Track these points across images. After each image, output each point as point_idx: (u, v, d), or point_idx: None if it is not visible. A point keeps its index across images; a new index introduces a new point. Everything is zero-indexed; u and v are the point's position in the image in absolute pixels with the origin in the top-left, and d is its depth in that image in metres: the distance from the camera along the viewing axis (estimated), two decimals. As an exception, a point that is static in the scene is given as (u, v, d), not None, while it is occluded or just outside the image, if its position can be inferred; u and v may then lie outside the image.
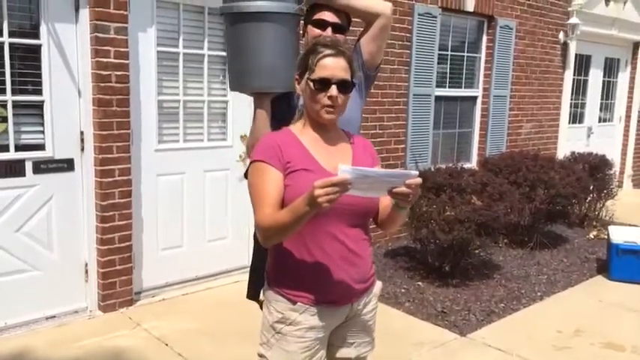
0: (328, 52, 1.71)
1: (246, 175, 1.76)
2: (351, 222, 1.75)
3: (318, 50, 1.72)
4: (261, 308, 1.91)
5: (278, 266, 1.81)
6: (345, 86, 1.71)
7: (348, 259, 1.75)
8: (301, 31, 2.25)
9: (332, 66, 1.69)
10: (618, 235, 4.78)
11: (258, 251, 2.19)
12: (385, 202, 1.77)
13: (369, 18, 2.21)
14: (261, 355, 1.83)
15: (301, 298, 1.75)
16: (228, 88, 2.23)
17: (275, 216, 1.62)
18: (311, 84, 1.71)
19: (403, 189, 1.54)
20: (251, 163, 1.76)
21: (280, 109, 2.10)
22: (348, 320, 1.86)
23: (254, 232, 1.86)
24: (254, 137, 2.10)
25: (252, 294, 2.24)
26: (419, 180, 1.55)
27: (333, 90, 1.68)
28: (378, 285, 1.96)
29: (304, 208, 1.50)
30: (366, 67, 2.27)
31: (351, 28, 2.30)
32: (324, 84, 1.69)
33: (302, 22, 2.27)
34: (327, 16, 2.19)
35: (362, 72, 2.27)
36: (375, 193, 1.62)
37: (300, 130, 1.79)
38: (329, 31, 2.18)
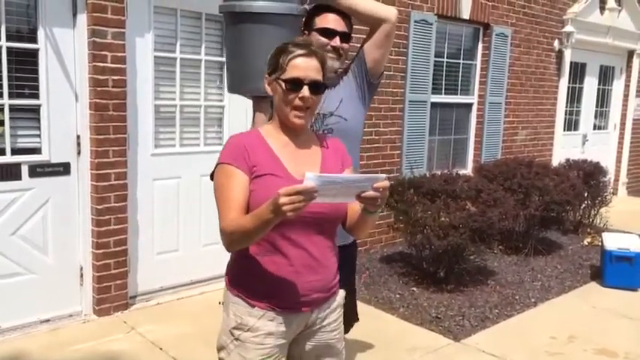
0: (300, 51, 1.66)
1: (212, 177, 1.73)
2: (316, 229, 1.70)
3: (289, 50, 1.67)
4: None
5: (239, 269, 1.78)
6: (316, 87, 1.67)
7: (310, 266, 1.71)
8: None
9: (304, 66, 1.65)
10: (612, 241, 4.80)
11: None
12: (354, 207, 1.71)
13: (373, 23, 2.15)
14: (220, 359, 1.81)
15: (259, 302, 1.72)
16: (227, 90, 2.19)
17: (239, 221, 1.58)
18: (282, 84, 1.66)
19: (371, 193, 1.51)
20: (217, 165, 1.71)
21: None
22: (309, 329, 1.81)
23: None
24: None
25: None
26: (386, 183, 1.52)
27: (305, 91, 1.64)
28: (341, 294, 1.89)
29: (268, 215, 1.46)
30: (369, 75, 2.21)
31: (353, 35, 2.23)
32: (295, 84, 1.64)
33: (302, 28, 2.20)
34: (334, 24, 2.13)
35: (365, 80, 2.22)
36: (342, 199, 1.58)
37: (269, 133, 1.74)
38: (337, 40, 2.12)
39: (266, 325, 1.72)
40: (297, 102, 1.66)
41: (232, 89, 2.16)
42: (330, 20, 2.15)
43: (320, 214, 1.66)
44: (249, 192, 1.65)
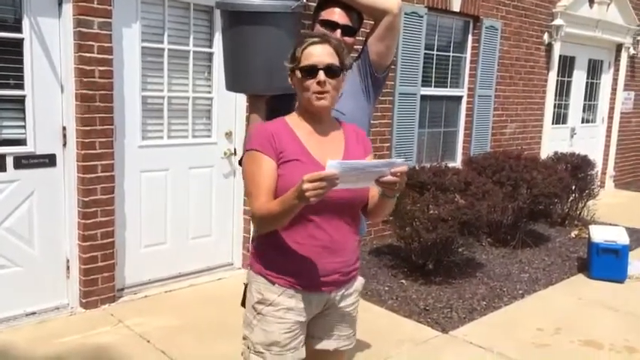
0: (313, 40, 1.75)
1: (240, 163, 1.80)
2: (338, 213, 1.78)
3: (303, 41, 1.76)
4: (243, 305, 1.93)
5: (261, 248, 1.85)
6: (332, 71, 1.73)
7: (331, 248, 1.79)
8: (310, 29, 2.18)
9: (317, 53, 1.73)
10: (599, 234, 4.84)
11: None
12: (373, 192, 1.82)
13: (375, 15, 2.13)
14: (244, 337, 1.88)
15: (280, 279, 1.80)
16: (225, 88, 2.19)
17: (267, 206, 1.68)
18: (299, 73, 1.74)
19: (390, 177, 1.58)
20: (246, 151, 1.79)
21: (283, 107, 2.04)
22: (327, 310, 1.90)
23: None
24: None
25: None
26: (404, 167, 1.58)
27: (321, 75, 1.71)
28: (360, 280, 1.99)
29: (293, 201, 1.56)
30: (373, 68, 2.19)
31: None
32: (311, 71, 1.72)
33: (310, 19, 2.20)
34: (337, 17, 2.11)
35: (369, 74, 2.19)
36: (363, 184, 1.67)
37: (294, 121, 1.82)
38: (338, 33, 2.10)
39: (286, 301, 1.80)
40: (315, 87, 1.73)
41: (230, 87, 2.16)
42: (334, 13, 2.13)
43: (342, 199, 1.73)
44: (277, 177, 1.73)
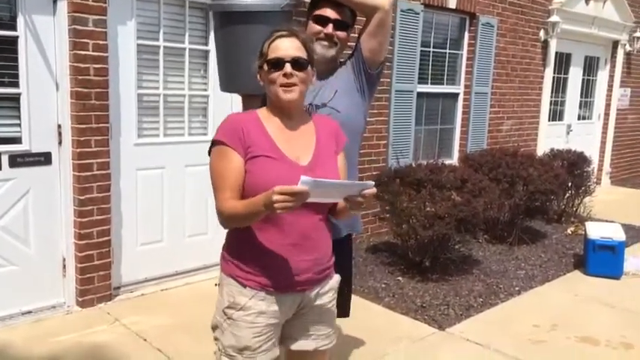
0: (279, 34, 1.74)
1: (209, 153, 1.78)
2: (312, 211, 1.75)
3: (271, 35, 1.75)
4: None
5: (232, 250, 1.82)
6: (299, 64, 1.72)
7: (303, 246, 1.76)
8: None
9: (284, 46, 1.71)
10: (595, 230, 4.85)
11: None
12: None
13: (366, 11, 2.14)
14: (215, 338, 1.85)
15: (251, 281, 1.76)
16: (220, 89, 2.21)
17: (235, 206, 1.67)
18: (265, 66, 1.73)
19: (358, 199, 1.61)
20: (214, 143, 1.76)
21: None
22: (302, 310, 1.86)
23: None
24: None
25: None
26: (374, 190, 1.62)
27: (287, 67, 1.70)
28: (336, 278, 1.95)
29: (260, 208, 1.55)
30: (367, 65, 2.20)
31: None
32: (277, 64, 1.70)
33: (303, 16, 2.21)
34: (329, 12, 2.13)
35: (363, 71, 2.20)
36: (331, 200, 1.71)
37: (265, 115, 1.79)
38: (330, 27, 2.12)
39: (257, 305, 1.76)
40: (282, 79, 1.71)
41: (224, 88, 2.18)
42: (326, 9, 2.15)
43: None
44: (245, 172, 1.70)
